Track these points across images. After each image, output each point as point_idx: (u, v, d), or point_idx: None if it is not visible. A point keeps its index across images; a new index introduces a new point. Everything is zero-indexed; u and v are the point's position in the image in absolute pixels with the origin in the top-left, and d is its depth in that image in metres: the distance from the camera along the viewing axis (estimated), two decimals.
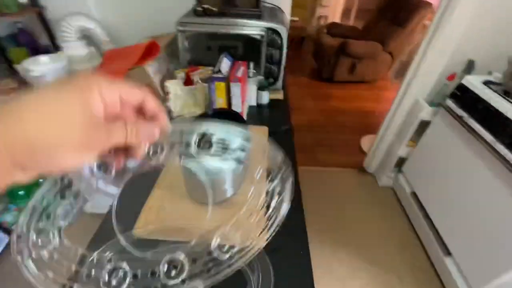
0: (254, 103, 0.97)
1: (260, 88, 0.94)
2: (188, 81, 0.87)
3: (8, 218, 1.46)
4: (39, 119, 0.17)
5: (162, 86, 0.88)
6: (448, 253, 1.20)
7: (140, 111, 0.24)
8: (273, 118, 0.93)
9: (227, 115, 0.68)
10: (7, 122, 0.16)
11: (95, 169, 0.32)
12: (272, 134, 0.82)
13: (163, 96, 0.89)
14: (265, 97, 0.96)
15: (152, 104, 0.24)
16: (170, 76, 0.94)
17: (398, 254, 1.37)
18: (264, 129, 0.83)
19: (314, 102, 2.69)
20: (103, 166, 0.32)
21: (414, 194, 1.47)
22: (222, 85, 0.79)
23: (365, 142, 2.09)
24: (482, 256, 1.03)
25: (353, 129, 2.31)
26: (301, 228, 0.57)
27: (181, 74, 0.90)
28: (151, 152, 0.32)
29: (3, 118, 0.16)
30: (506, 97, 1.00)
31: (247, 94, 0.91)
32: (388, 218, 1.56)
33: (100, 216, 1.50)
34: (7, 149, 0.16)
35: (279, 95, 1.04)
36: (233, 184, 0.59)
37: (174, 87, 0.86)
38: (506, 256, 0.93)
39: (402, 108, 1.47)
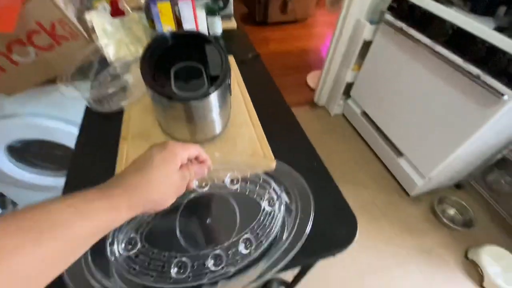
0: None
1: (210, 12, 0.79)
2: (115, 11, 0.66)
3: None
4: (160, 189, 0.30)
5: (82, 23, 0.66)
6: (400, 154, 1.38)
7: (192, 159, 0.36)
8: (235, 48, 0.81)
9: (188, 38, 0.54)
10: (145, 191, 0.28)
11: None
12: (240, 64, 0.71)
13: (85, 37, 0.67)
14: (218, 25, 0.82)
15: (203, 155, 0.36)
16: (88, 8, 0.70)
17: (360, 169, 1.53)
18: (230, 59, 0.72)
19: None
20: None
21: (365, 113, 1.60)
22: (167, 6, 0.62)
23: (311, 78, 2.14)
24: (429, 147, 1.21)
25: (297, 69, 2.32)
26: (305, 141, 0.53)
27: (102, 3, 0.68)
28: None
29: (144, 188, 0.28)
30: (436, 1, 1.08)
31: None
32: (345, 142, 1.69)
33: None
34: (143, 206, 0.28)
35: (232, 24, 0.91)
36: (222, 115, 0.49)
37: (99, 20, 0.64)
38: (448, 141, 1.10)
39: (345, 34, 1.49)
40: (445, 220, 1.29)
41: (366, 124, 1.58)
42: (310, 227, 0.36)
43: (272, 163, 0.46)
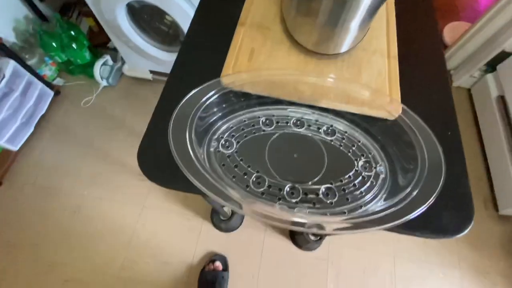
0: None
1: None
2: None
3: (47, 72, 1.40)
4: None
5: None
6: None
7: None
8: None
9: None
10: None
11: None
12: None
13: None
14: None
15: None
16: None
17: None
18: None
19: None
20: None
21: (501, 98, 1.23)
22: None
23: (450, 30, 1.64)
24: None
25: (437, 11, 1.79)
26: (446, 100, 0.41)
27: None
28: None
29: None
30: None
31: None
32: None
33: (139, 81, 1.38)
34: None
35: None
36: (361, 28, 0.39)
37: None
38: None
39: None
40: None
41: (495, 112, 1.23)
42: (424, 208, 0.29)
43: (397, 107, 0.37)
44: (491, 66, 1.31)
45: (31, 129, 1.23)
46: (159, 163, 0.35)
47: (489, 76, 1.32)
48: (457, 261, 1.10)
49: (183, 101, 0.35)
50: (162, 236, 1.11)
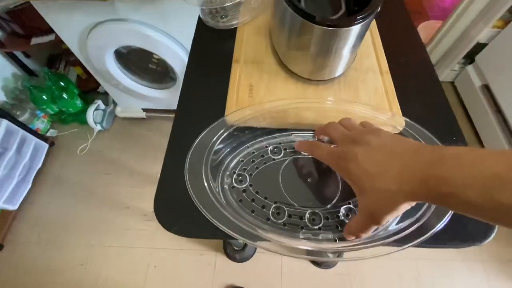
0: None
1: None
2: None
3: (40, 125, 1.40)
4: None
5: None
6: None
7: None
8: None
9: None
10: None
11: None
12: None
13: None
14: None
15: None
16: None
17: None
18: None
19: None
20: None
21: (486, 88, 1.27)
22: None
23: (424, 29, 1.73)
24: None
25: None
26: (444, 107, 0.42)
27: None
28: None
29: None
30: None
31: None
32: None
33: (133, 120, 1.39)
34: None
35: None
36: (352, 53, 0.40)
37: None
38: None
39: None
40: None
41: (483, 101, 1.27)
42: (447, 219, 0.29)
43: (400, 121, 0.38)
44: (469, 58, 1.37)
45: (29, 185, 1.21)
46: (178, 212, 0.35)
47: (470, 68, 1.37)
48: (478, 254, 1.09)
49: (192, 148, 0.35)
50: (177, 276, 1.07)
